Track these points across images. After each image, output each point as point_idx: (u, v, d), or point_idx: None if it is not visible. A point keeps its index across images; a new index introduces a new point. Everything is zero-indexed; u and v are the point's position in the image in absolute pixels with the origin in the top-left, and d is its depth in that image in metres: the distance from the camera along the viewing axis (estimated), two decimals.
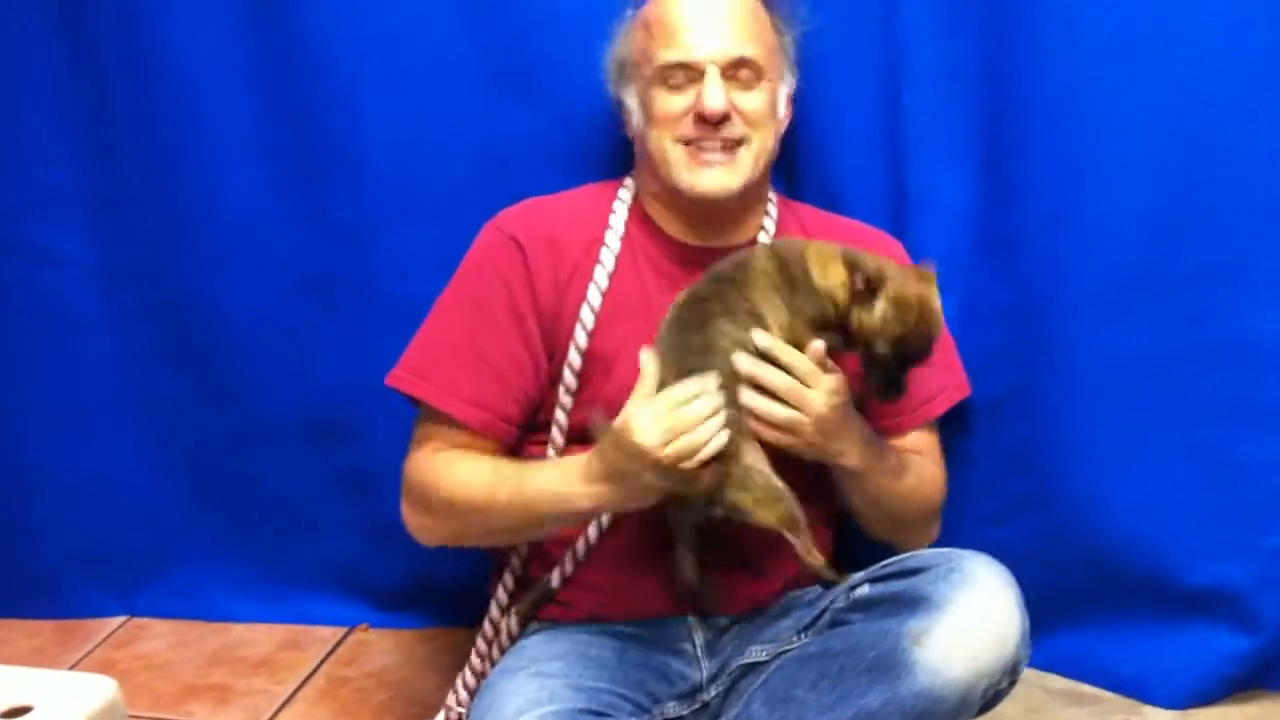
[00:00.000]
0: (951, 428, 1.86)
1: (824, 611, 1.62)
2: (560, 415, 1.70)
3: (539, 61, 1.93)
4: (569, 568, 1.71)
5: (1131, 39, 1.74)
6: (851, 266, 1.52)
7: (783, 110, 1.74)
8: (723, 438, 1.48)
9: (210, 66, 2.05)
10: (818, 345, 1.55)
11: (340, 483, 2.20)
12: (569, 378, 1.69)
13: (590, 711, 1.50)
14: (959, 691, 1.45)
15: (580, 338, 1.68)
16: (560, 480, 1.58)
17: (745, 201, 1.72)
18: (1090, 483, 1.88)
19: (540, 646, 1.66)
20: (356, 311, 2.11)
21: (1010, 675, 1.50)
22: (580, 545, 1.70)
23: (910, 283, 1.52)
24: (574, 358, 1.68)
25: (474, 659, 1.78)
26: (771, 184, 1.81)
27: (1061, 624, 1.56)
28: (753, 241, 1.73)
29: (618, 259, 1.71)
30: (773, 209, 1.78)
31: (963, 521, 1.89)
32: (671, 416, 1.47)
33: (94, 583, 2.34)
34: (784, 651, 1.61)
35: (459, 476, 1.65)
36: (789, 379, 1.54)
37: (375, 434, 2.08)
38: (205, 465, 2.27)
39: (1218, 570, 1.86)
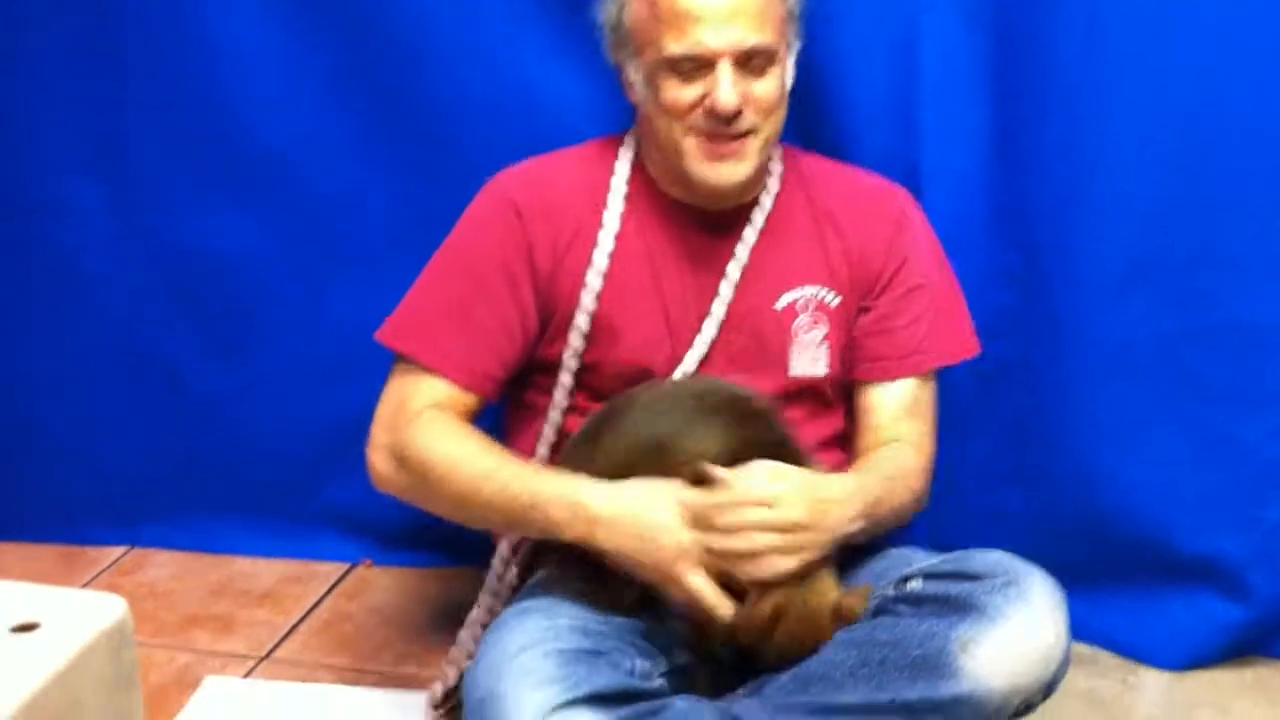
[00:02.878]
0: (955, 394, 1.86)
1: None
2: (566, 377, 1.71)
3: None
4: None
5: (1146, 27, 1.75)
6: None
7: (790, 79, 1.69)
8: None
9: (223, 7, 2.05)
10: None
11: (345, 426, 2.18)
12: (576, 341, 1.69)
13: (595, 651, 1.50)
14: (996, 702, 1.46)
15: (587, 301, 1.68)
16: (559, 489, 1.57)
17: (756, 177, 1.70)
18: (1091, 455, 1.90)
19: (550, 594, 1.63)
20: (367, 262, 2.12)
21: (1046, 692, 1.51)
22: None
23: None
24: (581, 321, 1.69)
25: (477, 611, 1.79)
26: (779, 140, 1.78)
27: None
28: (755, 201, 1.72)
29: (621, 220, 1.71)
30: (776, 165, 1.75)
31: (966, 488, 1.92)
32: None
33: (98, 516, 2.35)
34: None
35: (450, 452, 1.63)
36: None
37: (381, 379, 2.08)
38: (211, 409, 2.28)
39: (1214, 543, 1.89)
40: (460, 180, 1.80)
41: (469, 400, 1.70)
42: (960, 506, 1.93)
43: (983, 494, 1.93)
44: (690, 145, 1.63)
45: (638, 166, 1.74)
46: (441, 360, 1.69)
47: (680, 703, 1.51)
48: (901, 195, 1.79)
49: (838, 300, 1.73)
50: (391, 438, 1.69)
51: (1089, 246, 1.83)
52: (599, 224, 1.70)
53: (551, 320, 1.71)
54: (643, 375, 1.68)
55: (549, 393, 1.73)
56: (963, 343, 1.79)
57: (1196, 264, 1.81)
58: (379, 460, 1.71)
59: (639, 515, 1.51)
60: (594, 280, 1.68)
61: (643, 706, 1.47)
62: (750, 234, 1.71)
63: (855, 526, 1.56)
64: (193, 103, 2.11)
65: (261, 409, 2.25)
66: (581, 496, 1.54)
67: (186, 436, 2.29)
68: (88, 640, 1.15)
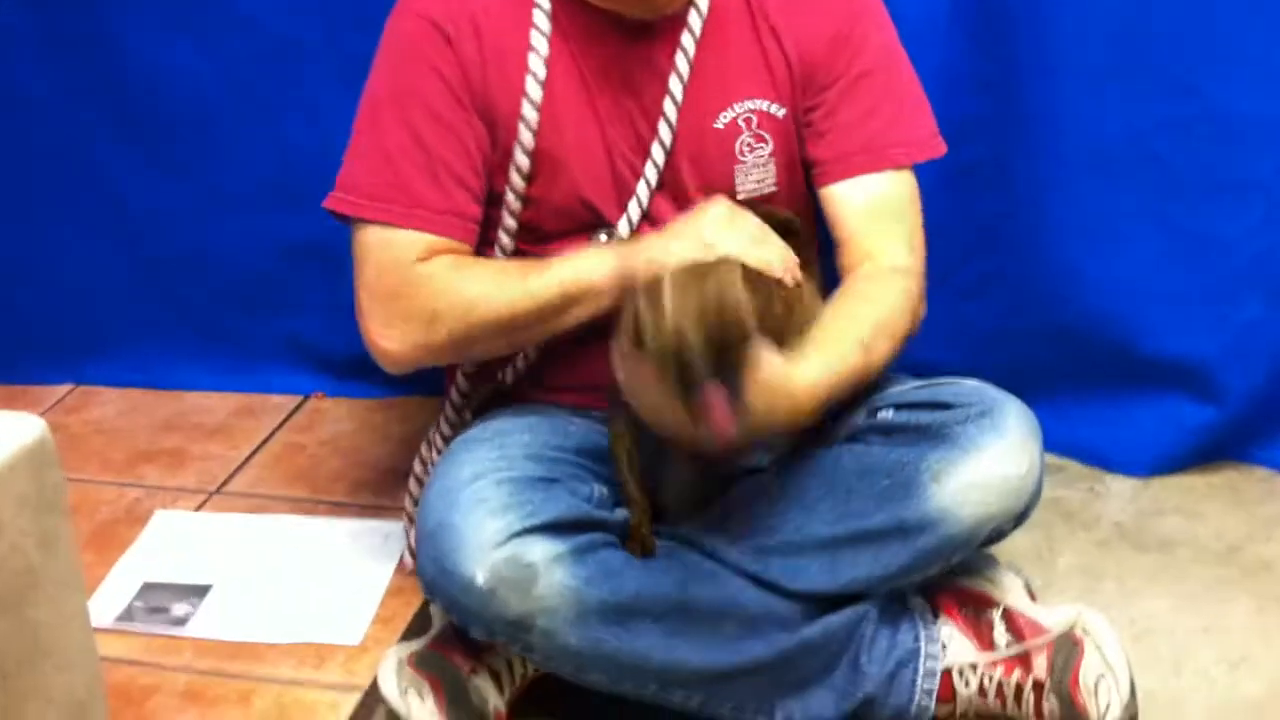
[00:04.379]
0: (924, 199, 1.76)
1: (835, 423, 1.55)
2: (508, 218, 1.58)
3: None
4: (530, 357, 1.63)
5: None
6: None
7: None
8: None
9: None
10: None
11: (295, 253, 2.13)
12: (516, 179, 1.55)
13: (547, 479, 1.45)
14: (964, 531, 1.44)
15: (525, 137, 1.54)
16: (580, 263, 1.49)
17: None
18: (1062, 257, 1.86)
19: (508, 418, 1.60)
20: (320, 73, 2.01)
21: (1016, 522, 1.48)
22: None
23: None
24: (521, 159, 1.54)
25: (427, 450, 1.73)
26: None
27: (1025, 395, 1.54)
28: (688, 4, 1.55)
29: (549, 41, 1.54)
30: None
31: (933, 295, 1.79)
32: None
33: (39, 355, 2.30)
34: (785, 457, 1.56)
35: (476, 290, 1.50)
36: None
37: None
38: (155, 238, 2.20)
39: (1187, 344, 1.87)
40: None
41: (457, 248, 1.56)
42: (930, 315, 1.81)
43: (948, 302, 1.84)
44: None
45: None
46: (420, 217, 1.52)
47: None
48: None
49: (782, 112, 1.60)
50: (404, 305, 1.52)
51: (1062, 36, 1.76)
52: (525, 44, 1.54)
53: (490, 152, 1.57)
54: (588, 211, 1.57)
55: (488, 235, 1.59)
56: (927, 138, 1.64)
57: (1178, 51, 1.75)
58: (391, 334, 1.53)
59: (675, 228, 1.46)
60: (529, 112, 1.54)
61: (599, 536, 1.44)
62: (689, 42, 1.56)
63: (812, 416, 1.45)
64: None
65: (207, 230, 2.17)
66: (604, 252, 1.49)
67: (129, 259, 2.21)
68: (3, 459, 1.09)
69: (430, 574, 1.42)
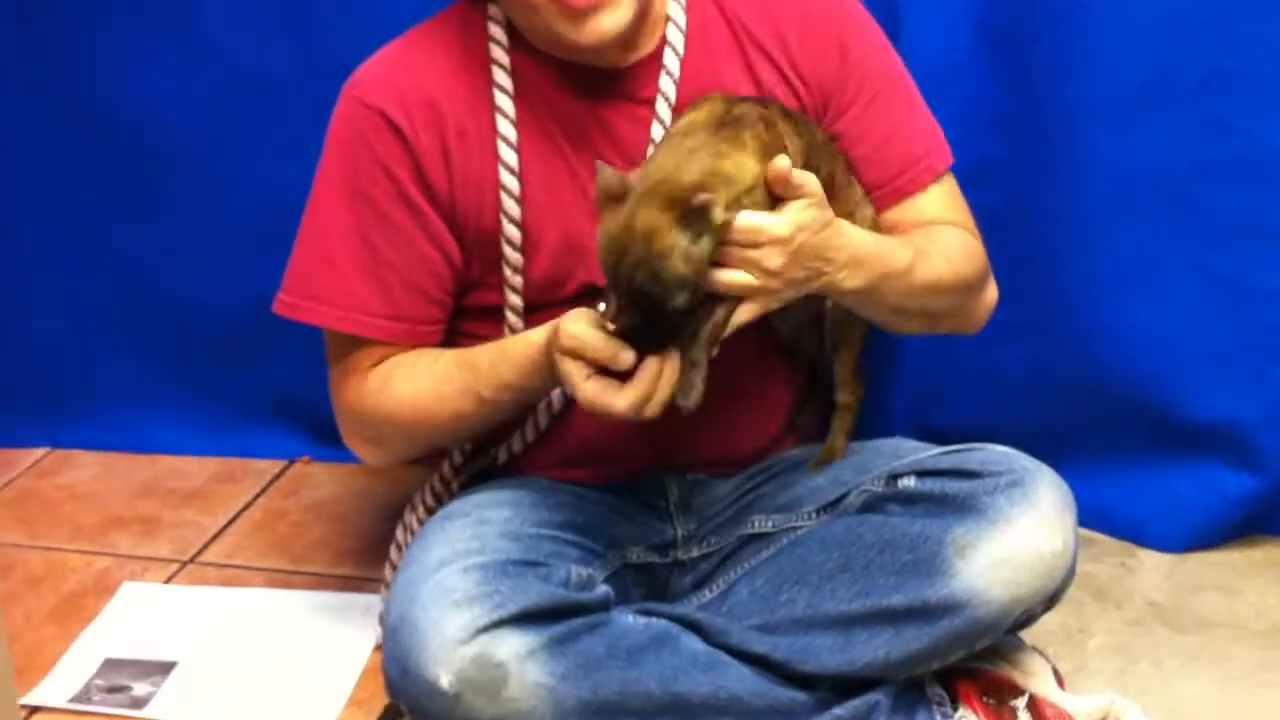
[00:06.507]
0: None
1: (850, 491, 1.48)
2: (512, 296, 1.49)
3: None
4: (527, 437, 1.55)
5: None
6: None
7: None
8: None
9: None
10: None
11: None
12: (511, 254, 1.47)
13: (525, 562, 1.37)
14: (992, 614, 1.36)
15: (511, 208, 1.45)
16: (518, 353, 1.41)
17: (643, 13, 1.43)
18: (1091, 307, 1.78)
19: (489, 492, 1.52)
20: (301, 113, 1.88)
21: (1048, 604, 1.40)
22: (539, 413, 1.53)
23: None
24: (511, 231, 1.46)
25: (410, 516, 1.64)
26: None
27: (1053, 461, 1.47)
28: (662, 43, 1.47)
29: (515, 102, 1.46)
30: None
31: (951, 351, 1.78)
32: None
33: (14, 414, 2.23)
34: (796, 527, 1.49)
35: (403, 393, 1.46)
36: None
37: None
38: (132, 288, 2.14)
39: (1223, 403, 1.77)
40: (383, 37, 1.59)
41: (407, 350, 1.49)
42: (946, 370, 1.82)
43: (970, 356, 1.80)
44: (545, 5, 1.37)
45: (513, 30, 1.47)
46: (362, 319, 1.47)
47: (624, 617, 1.39)
48: (853, 6, 1.57)
49: None
50: (355, 420, 1.52)
51: (1088, 70, 1.68)
52: (491, 116, 1.45)
53: (468, 241, 1.48)
54: (588, 285, 1.47)
55: (499, 328, 1.51)
56: (943, 140, 1.58)
57: (1211, 86, 1.67)
58: (354, 446, 1.57)
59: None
60: (509, 180, 1.45)
61: (579, 622, 1.34)
62: (668, 84, 1.47)
63: (849, 276, 1.35)
64: None
65: (187, 277, 2.10)
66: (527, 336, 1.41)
67: (106, 309, 2.15)
68: None
69: (393, 675, 1.33)
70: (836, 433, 1.58)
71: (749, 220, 1.27)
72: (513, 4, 1.43)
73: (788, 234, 1.28)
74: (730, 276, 1.29)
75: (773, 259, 1.28)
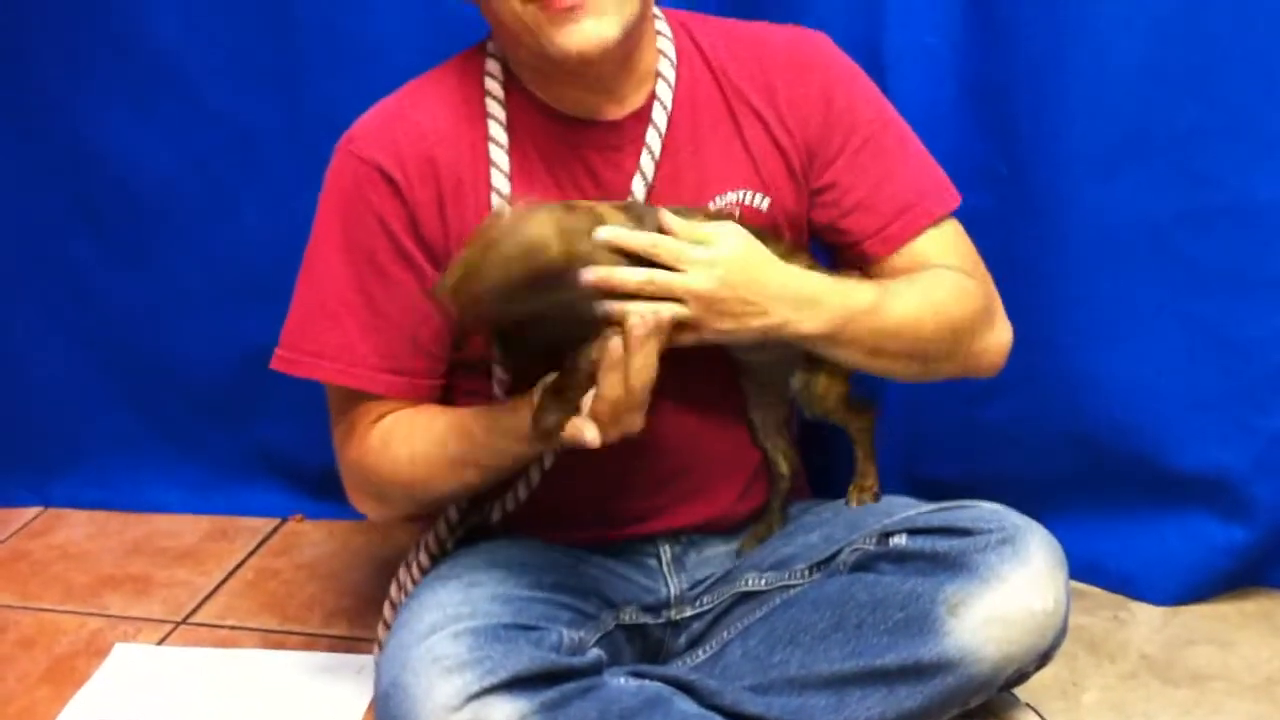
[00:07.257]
0: None
1: (842, 549, 1.48)
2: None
3: None
4: (520, 495, 1.54)
5: None
6: None
7: None
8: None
9: None
10: (667, 219, 1.35)
11: (264, 355, 2.02)
12: None
13: (516, 626, 1.36)
14: (985, 672, 1.36)
15: None
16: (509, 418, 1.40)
17: (632, 45, 1.44)
18: (1077, 359, 1.77)
19: (479, 554, 1.52)
20: (291, 168, 1.94)
21: (1040, 662, 1.40)
22: (532, 471, 1.53)
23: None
24: None
25: (405, 575, 1.62)
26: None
27: (1043, 514, 1.46)
28: (651, 98, 1.47)
29: (510, 155, 1.46)
30: (668, 45, 1.49)
31: (938, 401, 1.78)
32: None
33: (6, 473, 2.22)
34: (789, 586, 1.49)
35: (402, 457, 1.45)
36: (644, 271, 1.31)
37: None
38: (122, 344, 2.14)
39: (1212, 455, 1.76)
40: (390, 73, 1.59)
41: (412, 404, 1.49)
42: (934, 421, 1.81)
43: (953, 409, 1.80)
44: (531, 14, 1.37)
45: (511, 82, 1.48)
46: (363, 373, 1.46)
47: (616, 681, 1.38)
48: (820, 45, 1.55)
49: (766, 202, 1.51)
50: (359, 477, 1.52)
51: (1070, 122, 1.68)
52: (485, 166, 1.45)
53: None
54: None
55: (484, 376, 1.50)
56: (945, 185, 1.56)
57: (1194, 139, 1.67)
58: (357, 502, 1.56)
59: None
60: None
61: (571, 687, 1.33)
62: (654, 140, 1.47)
63: (804, 320, 1.37)
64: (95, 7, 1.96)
65: (176, 330, 2.10)
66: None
67: (96, 363, 2.15)
68: None
69: None
70: (773, 510, 1.58)
71: (610, 233, 1.30)
72: (509, 32, 1.41)
73: (650, 241, 1.31)
74: (616, 304, 1.28)
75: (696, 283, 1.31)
